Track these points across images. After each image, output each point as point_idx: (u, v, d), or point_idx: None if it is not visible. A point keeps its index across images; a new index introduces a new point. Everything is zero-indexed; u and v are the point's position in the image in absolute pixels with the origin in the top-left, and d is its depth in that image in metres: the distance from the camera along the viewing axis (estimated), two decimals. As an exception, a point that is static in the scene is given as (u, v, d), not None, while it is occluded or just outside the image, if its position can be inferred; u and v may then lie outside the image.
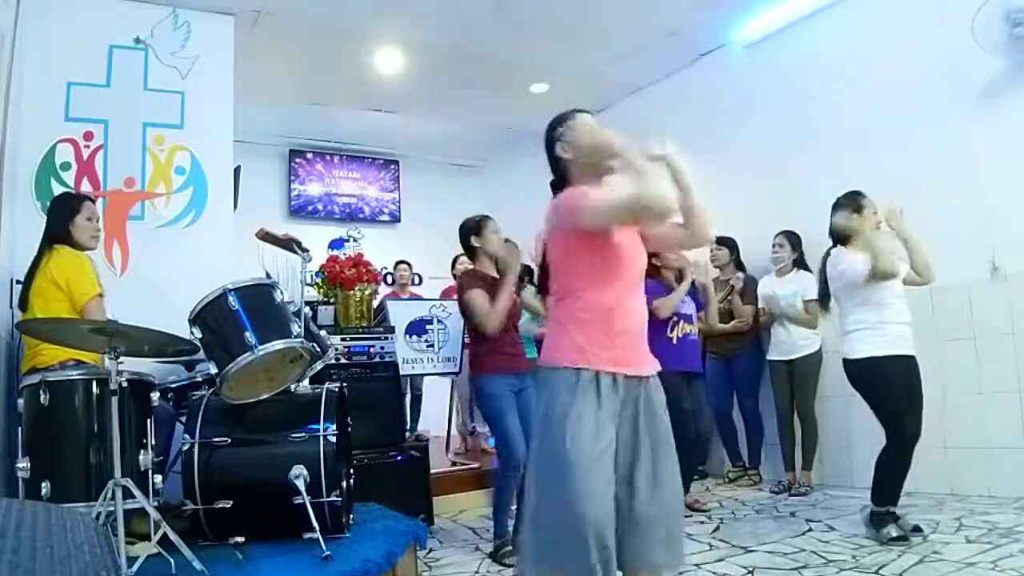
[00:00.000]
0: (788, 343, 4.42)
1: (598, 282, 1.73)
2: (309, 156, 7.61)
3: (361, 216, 7.63)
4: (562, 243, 1.77)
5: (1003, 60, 3.64)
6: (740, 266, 4.78)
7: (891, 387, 3.05)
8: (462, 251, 5.54)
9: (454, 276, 5.58)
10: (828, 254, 3.34)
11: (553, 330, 1.80)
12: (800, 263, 4.50)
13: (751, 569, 2.79)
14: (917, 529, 3.08)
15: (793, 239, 4.51)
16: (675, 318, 3.97)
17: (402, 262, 6.11)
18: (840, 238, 3.29)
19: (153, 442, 2.49)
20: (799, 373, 4.37)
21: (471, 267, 3.54)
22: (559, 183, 1.86)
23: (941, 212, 3.74)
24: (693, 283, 4.14)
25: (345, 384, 2.96)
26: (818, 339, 4.37)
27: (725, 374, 4.70)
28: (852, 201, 3.26)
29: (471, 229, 3.41)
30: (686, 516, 3.74)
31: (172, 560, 2.13)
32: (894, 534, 2.99)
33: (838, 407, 4.27)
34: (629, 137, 1.69)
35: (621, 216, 1.67)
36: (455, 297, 5.19)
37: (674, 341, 3.94)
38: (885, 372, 3.05)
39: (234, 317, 2.53)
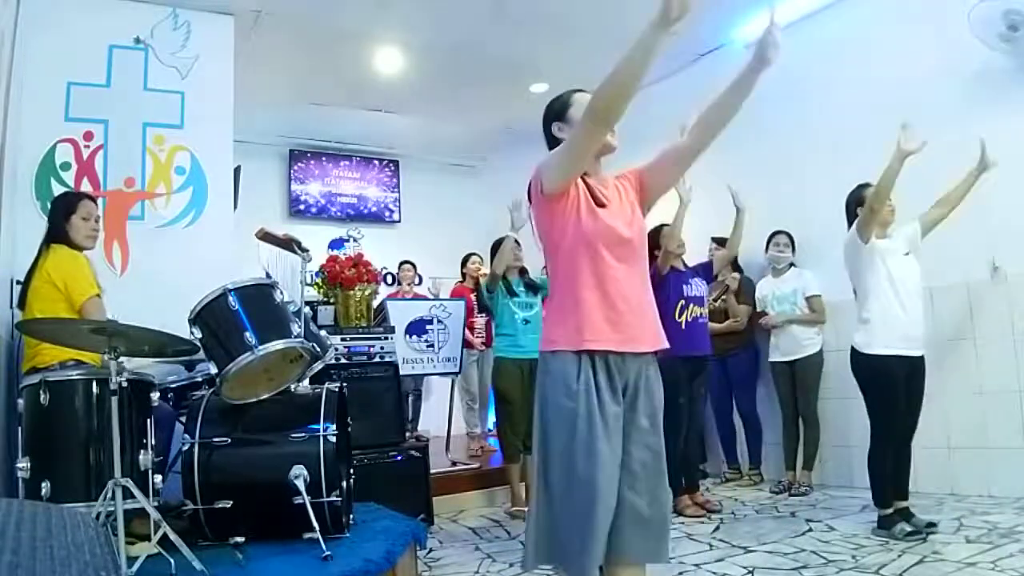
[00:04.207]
0: (790, 344, 4.41)
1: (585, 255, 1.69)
2: (309, 156, 7.61)
3: (361, 216, 7.63)
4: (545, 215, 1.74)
5: (997, 51, 3.64)
6: (737, 267, 4.78)
7: (878, 385, 3.09)
8: (470, 251, 5.61)
9: (463, 275, 5.61)
10: None
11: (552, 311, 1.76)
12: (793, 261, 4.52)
13: (751, 569, 2.79)
14: (931, 524, 3.07)
15: (791, 240, 4.51)
16: (683, 300, 3.86)
17: (406, 262, 6.12)
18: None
19: (153, 442, 2.48)
20: (801, 374, 4.36)
21: None
22: None
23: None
24: (704, 264, 4.10)
25: (345, 384, 2.96)
26: (820, 339, 4.37)
27: (722, 374, 4.70)
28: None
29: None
30: (694, 517, 3.73)
31: (172, 560, 2.13)
32: (908, 529, 2.99)
33: (838, 407, 4.27)
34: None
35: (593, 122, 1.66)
36: (466, 297, 5.24)
37: (683, 326, 3.82)
38: (875, 369, 3.09)
39: (234, 317, 2.53)
